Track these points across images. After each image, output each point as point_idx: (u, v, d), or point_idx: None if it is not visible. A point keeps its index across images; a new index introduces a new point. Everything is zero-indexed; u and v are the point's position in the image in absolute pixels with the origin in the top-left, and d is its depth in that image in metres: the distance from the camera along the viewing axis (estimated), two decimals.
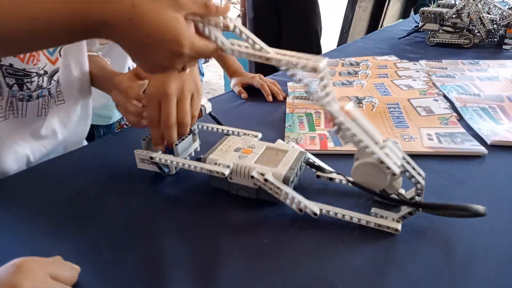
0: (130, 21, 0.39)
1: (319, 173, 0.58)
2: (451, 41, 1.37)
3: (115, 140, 0.76)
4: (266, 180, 0.51)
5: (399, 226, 0.47)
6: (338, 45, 2.29)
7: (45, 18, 0.38)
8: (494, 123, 0.75)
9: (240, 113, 0.89)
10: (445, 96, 0.88)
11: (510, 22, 1.34)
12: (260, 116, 0.85)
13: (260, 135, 0.65)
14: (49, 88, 0.68)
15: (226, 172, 0.53)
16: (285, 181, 0.51)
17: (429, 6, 1.57)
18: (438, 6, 1.53)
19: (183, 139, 0.61)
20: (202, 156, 0.57)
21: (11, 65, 0.60)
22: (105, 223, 0.52)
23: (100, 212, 0.54)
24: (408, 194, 0.52)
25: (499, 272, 0.42)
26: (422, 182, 0.47)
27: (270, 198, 0.52)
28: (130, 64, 1.03)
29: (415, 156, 0.64)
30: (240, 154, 0.56)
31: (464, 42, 1.36)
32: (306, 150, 0.59)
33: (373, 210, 0.50)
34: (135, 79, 0.64)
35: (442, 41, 1.38)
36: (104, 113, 1.06)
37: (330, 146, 0.68)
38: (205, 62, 4.31)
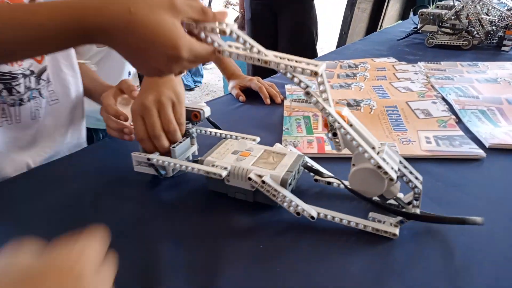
0: (127, 27, 0.38)
1: (317, 177, 0.58)
2: (450, 43, 1.37)
3: (113, 144, 0.76)
4: (263, 182, 0.50)
5: (396, 231, 0.47)
6: (337, 47, 2.29)
7: (41, 26, 0.38)
8: (492, 126, 0.75)
9: (238, 116, 0.89)
10: (443, 99, 0.88)
11: (509, 24, 1.34)
12: (258, 119, 0.85)
13: (258, 139, 0.65)
14: (39, 88, 0.67)
15: (224, 173, 0.53)
16: (283, 183, 0.51)
17: (428, 8, 1.57)
18: (437, 7, 1.53)
19: (180, 142, 0.61)
20: (199, 158, 0.57)
21: None
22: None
23: (96, 217, 0.54)
24: (406, 198, 0.51)
25: (498, 277, 0.42)
26: (420, 186, 0.47)
27: (268, 201, 0.52)
28: (131, 68, 1.02)
29: (413, 159, 0.64)
30: (238, 157, 0.56)
31: (463, 43, 1.36)
32: (303, 153, 0.59)
33: (370, 214, 0.50)
34: (119, 94, 0.68)
35: (441, 42, 1.38)
36: None
37: (328, 149, 0.68)
38: (204, 65, 4.31)
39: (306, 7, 1.92)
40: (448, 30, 1.38)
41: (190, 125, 0.65)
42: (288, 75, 0.46)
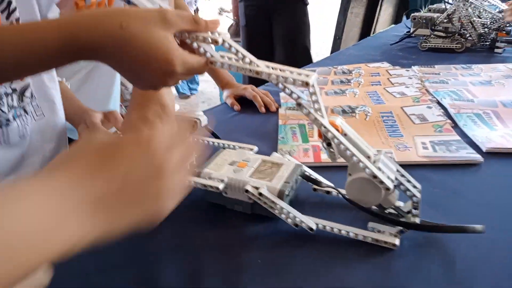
0: (119, 43, 0.38)
1: (315, 186, 0.57)
2: (443, 46, 1.38)
3: None
4: (260, 194, 0.50)
5: (396, 241, 0.47)
6: (331, 52, 2.30)
7: (32, 46, 0.37)
8: (488, 129, 0.75)
9: (233, 125, 0.88)
10: (438, 103, 0.88)
11: (500, 26, 1.35)
12: (253, 128, 0.85)
13: (256, 148, 0.65)
14: (23, 106, 0.66)
15: (221, 186, 0.52)
16: (280, 195, 0.50)
17: (420, 11, 1.58)
18: (429, 11, 1.54)
19: None
20: (196, 170, 0.56)
21: None
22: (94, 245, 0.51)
23: None
24: (405, 207, 0.51)
25: (501, 285, 0.42)
26: (418, 195, 0.47)
27: (266, 212, 0.52)
28: (122, 78, 1.02)
29: (409, 165, 0.64)
30: (235, 168, 0.56)
31: (456, 46, 1.36)
32: (300, 162, 0.58)
33: (370, 224, 0.49)
34: (105, 121, 0.70)
35: (434, 46, 1.39)
36: None
37: (324, 158, 0.68)
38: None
39: (300, 12, 1.94)
40: (441, 34, 1.39)
41: None
42: (280, 85, 0.45)
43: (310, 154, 0.70)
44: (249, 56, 0.45)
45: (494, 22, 1.37)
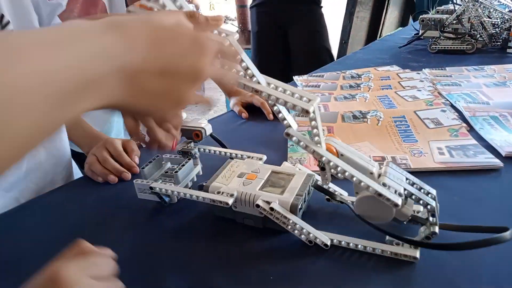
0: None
1: (328, 197, 0.55)
2: (454, 47, 1.35)
3: None
4: (272, 209, 0.48)
5: (417, 254, 0.44)
6: (338, 57, 2.27)
7: None
8: (507, 133, 0.72)
9: (241, 133, 0.86)
10: (452, 106, 0.86)
11: None
12: (262, 135, 0.83)
13: (264, 157, 0.62)
14: None
15: (230, 201, 0.50)
16: (293, 209, 0.48)
17: (428, 13, 1.56)
18: (437, 12, 1.52)
19: (183, 165, 0.59)
20: (204, 184, 0.54)
21: None
22: None
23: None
24: (423, 213, 0.48)
25: None
26: (432, 202, 0.44)
27: (278, 226, 0.49)
28: None
29: (426, 173, 0.61)
30: (244, 180, 0.53)
31: (466, 47, 1.34)
32: (312, 171, 0.56)
33: (388, 238, 0.47)
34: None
35: (444, 48, 1.36)
36: None
37: None
38: None
39: (316, 15, 1.91)
40: (451, 35, 1.36)
41: (192, 144, 0.63)
42: (275, 108, 0.44)
43: None
44: (253, 69, 0.43)
45: (505, 21, 1.34)
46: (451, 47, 1.35)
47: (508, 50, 1.32)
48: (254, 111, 0.94)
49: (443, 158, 0.65)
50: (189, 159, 0.61)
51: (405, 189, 0.44)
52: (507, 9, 1.40)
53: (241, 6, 3.06)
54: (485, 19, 1.32)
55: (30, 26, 0.58)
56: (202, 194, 0.52)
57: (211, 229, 0.54)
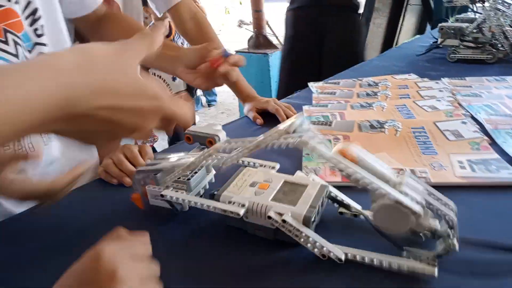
0: None
1: (342, 209, 0.53)
2: (474, 57, 1.32)
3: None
4: (284, 221, 0.46)
5: (435, 272, 0.42)
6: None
7: None
8: None
9: None
10: (473, 118, 0.83)
11: None
12: None
13: (277, 166, 0.61)
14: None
15: (241, 212, 0.48)
16: (306, 222, 0.46)
17: (447, 21, 1.52)
18: (457, 20, 1.49)
19: (195, 173, 0.57)
20: (215, 193, 0.53)
21: None
22: None
23: None
24: (442, 226, 0.46)
25: None
26: (451, 213, 0.43)
27: (290, 239, 0.48)
28: None
29: (447, 187, 0.59)
30: (256, 190, 0.52)
31: (487, 57, 1.30)
32: (326, 182, 0.54)
33: (405, 248, 0.45)
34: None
35: (464, 57, 1.33)
36: None
37: None
38: None
39: (355, 24, 1.87)
40: (471, 44, 1.33)
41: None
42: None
43: (338, 172, 0.65)
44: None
45: None
46: (471, 57, 1.32)
47: None
48: (268, 118, 0.92)
49: (465, 172, 0.62)
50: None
51: (423, 198, 0.42)
52: None
53: (256, 11, 3.05)
54: (507, 28, 1.29)
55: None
56: (213, 203, 0.51)
57: (222, 238, 0.53)
